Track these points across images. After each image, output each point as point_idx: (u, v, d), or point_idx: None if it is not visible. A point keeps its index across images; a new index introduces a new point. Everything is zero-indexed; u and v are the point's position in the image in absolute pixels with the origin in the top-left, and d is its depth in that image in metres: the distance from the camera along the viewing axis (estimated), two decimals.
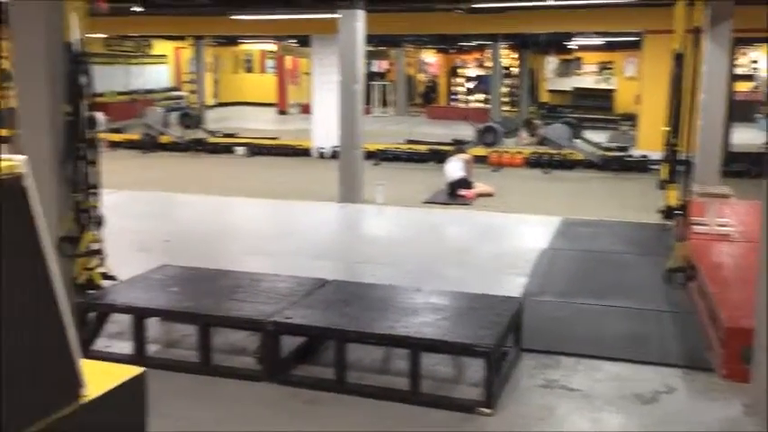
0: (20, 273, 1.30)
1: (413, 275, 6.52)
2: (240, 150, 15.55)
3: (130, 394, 1.49)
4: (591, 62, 25.72)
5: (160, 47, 24.51)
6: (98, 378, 1.45)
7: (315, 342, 4.70)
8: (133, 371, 1.51)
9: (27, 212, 1.32)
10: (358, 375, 4.32)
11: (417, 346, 4.07)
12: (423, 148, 14.92)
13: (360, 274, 6.57)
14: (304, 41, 18.89)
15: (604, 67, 25.43)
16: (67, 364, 1.39)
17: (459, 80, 28.31)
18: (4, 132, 9.86)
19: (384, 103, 25.70)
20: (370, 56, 11.35)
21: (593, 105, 23.50)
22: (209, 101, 23.64)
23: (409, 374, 4.08)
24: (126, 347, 4.66)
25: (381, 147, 14.67)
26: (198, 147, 15.87)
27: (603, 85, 25.18)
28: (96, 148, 5.42)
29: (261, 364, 4.38)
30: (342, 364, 4.22)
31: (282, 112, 25.68)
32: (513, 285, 6.17)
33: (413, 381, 4.07)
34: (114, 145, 15.48)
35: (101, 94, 5.67)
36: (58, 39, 5.22)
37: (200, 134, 16.55)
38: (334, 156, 12.24)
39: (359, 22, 10.24)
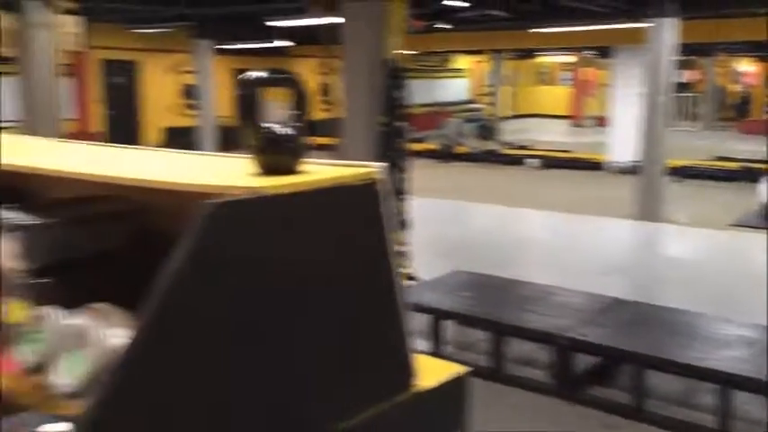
0: (371, 270, 1.45)
1: (714, 303, 5.95)
2: (532, 162, 15.58)
3: (457, 391, 1.58)
4: None
5: (459, 61, 25.52)
6: (427, 371, 1.56)
7: (609, 363, 4.53)
8: (460, 369, 1.59)
9: (378, 215, 1.46)
10: (657, 404, 4.08)
11: (729, 382, 3.72)
12: (732, 165, 13.61)
13: (654, 297, 6.17)
14: (603, 52, 18.34)
15: None
16: (403, 355, 1.51)
17: None
18: (328, 141, 10.97)
19: (689, 116, 23.91)
20: (678, 66, 10.61)
21: None
22: (507, 113, 24.03)
23: (718, 412, 3.75)
24: (423, 346, 4.92)
25: (685, 163, 13.67)
26: (491, 158, 16.22)
27: None
28: (405, 157, 5.81)
29: (554, 379, 4.34)
30: (640, 391, 4.01)
31: (577, 125, 25.19)
32: None
33: (722, 420, 3.72)
34: (415, 154, 16.44)
35: (409, 106, 6.14)
36: (379, 55, 5.69)
37: (494, 145, 16.91)
38: (631, 171, 11.68)
39: (668, 32, 9.67)
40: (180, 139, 15.23)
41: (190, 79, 16.91)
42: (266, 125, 1.37)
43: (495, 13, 12.63)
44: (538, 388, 4.35)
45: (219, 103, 17.05)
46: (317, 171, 1.40)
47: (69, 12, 7.48)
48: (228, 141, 15.78)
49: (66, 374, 1.25)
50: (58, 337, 1.30)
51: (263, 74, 1.39)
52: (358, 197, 1.41)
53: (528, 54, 25.44)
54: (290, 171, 1.36)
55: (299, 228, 1.29)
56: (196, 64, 16.14)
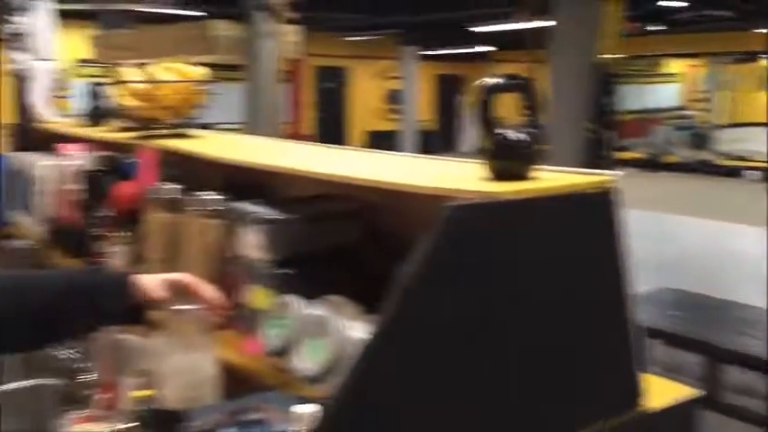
0: (602, 281, 1.41)
1: None
2: (752, 174, 14.29)
3: (686, 415, 1.49)
4: None
5: (671, 65, 24.04)
6: (655, 392, 1.48)
7: None
8: (690, 392, 1.50)
9: (612, 225, 1.42)
10: None
11: None
12: None
13: None
14: None
15: None
16: (630, 372, 1.45)
17: None
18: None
19: None
20: None
21: None
22: (723, 120, 22.28)
23: None
24: None
25: None
26: (704, 168, 15.12)
27: None
28: (611, 166, 5.58)
29: None
30: None
31: None
32: None
33: None
34: (621, 163, 15.71)
35: (618, 113, 5.94)
36: (589, 59, 5.52)
37: (708, 155, 15.76)
38: None
39: None
40: (382, 142, 15.80)
41: (394, 84, 17.49)
42: (500, 131, 1.38)
43: (716, 13, 11.79)
44: (760, 421, 3.99)
45: (420, 107, 17.47)
46: (550, 177, 1.39)
47: (291, 21, 8.02)
48: (428, 145, 16.13)
49: (308, 360, 1.34)
50: (301, 324, 1.40)
51: (500, 79, 1.40)
52: (591, 206, 1.38)
53: (751, 57, 23.39)
54: (522, 177, 1.35)
55: (533, 234, 1.28)
56: (401, 70, 16.66)
